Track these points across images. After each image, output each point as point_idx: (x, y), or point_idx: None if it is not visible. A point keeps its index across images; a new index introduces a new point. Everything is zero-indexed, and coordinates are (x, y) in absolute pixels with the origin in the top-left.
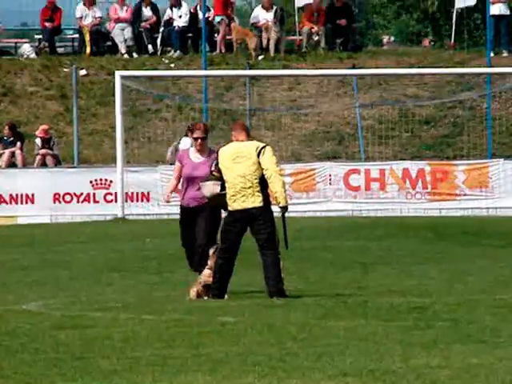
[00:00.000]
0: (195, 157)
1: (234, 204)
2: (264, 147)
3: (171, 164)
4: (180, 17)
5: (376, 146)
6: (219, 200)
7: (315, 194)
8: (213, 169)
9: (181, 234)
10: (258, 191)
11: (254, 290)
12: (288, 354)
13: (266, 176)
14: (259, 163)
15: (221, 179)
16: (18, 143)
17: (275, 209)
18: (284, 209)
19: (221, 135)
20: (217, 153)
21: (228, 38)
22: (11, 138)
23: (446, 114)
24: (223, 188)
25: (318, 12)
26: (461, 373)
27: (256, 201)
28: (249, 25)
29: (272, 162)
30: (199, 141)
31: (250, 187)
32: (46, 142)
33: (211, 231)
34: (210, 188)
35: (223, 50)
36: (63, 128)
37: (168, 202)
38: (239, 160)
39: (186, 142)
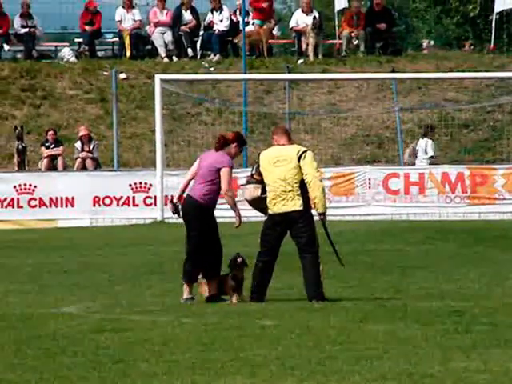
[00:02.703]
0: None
1: (274, 208)
2: (305, 152)
3: (408, 165)
4: (221, 21)
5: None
6: (260, 204)
7: (354, 198)
8: (253, 172)
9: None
10: (299, 195)
11: (293, 293)
12: (327, 358)
13: (305, 181)
14: (300, 167)
15: (261, 182)
16: (62, 147)
17: (314, 213)
18: (322, 215)
19: (261, 139)
20: (258, 156)
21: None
22: (52, 145)
23: (486, 118)
24: (264, 192)
25: (357, 16)
26: (500, 377)
27: (296, 204)
28: (288, 29)
29: (312, 167)
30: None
31: (290, 191)
32: (87, 143)
33: None
34: (251, 191)
35: (265, 55)
36: (103, 131)
37: None
38: (280, 164)
39: (422, 144)
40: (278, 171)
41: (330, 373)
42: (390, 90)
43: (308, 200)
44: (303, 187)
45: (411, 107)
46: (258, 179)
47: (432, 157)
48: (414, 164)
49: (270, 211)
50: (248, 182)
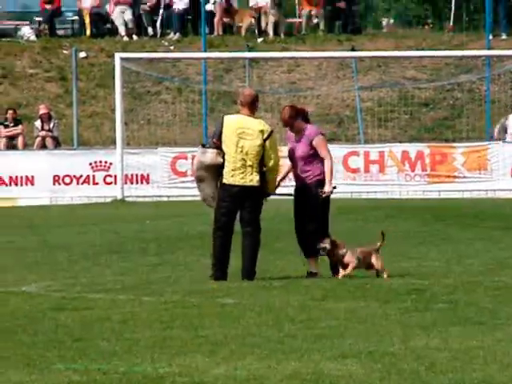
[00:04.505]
0: (293, 137)
1: (231, 179)
2: (271, 133)
3: (498, 140)
4: None
5: (375, 128)
6: (216, 171)
7: None
8: (214, 138)
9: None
10: (257, 171)
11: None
12: (287, 336)
13: (268, 164)
14: (263, 146)
15: (219, 148)
16: (21, 126)
17: None
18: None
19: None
20: (222, 119)
21: (225, 20)
22: (11, 124)
23: (445, 97)
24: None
25: None
26: (459, 354)
27: (254, 180)
28: (247, 7)
29: (277, 152)
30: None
31: (250, 166)
32: (47, 122)
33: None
34: (214, 157)
35: (220, 32)
36: (63, 110)
37: None
38: (244, 136)
39: (511, 119)
40: (241, 144)
41: (289, 351)
42: (350, 68)
43: (263, 176)
44: (261, 164)
45: (371, 86)
46: (217, 144)
47: None
48: (504, 140)
49: (225, 181)
50: (209, 146)
